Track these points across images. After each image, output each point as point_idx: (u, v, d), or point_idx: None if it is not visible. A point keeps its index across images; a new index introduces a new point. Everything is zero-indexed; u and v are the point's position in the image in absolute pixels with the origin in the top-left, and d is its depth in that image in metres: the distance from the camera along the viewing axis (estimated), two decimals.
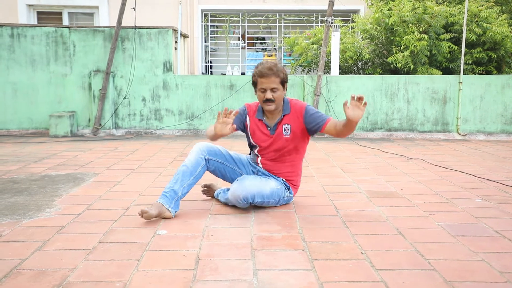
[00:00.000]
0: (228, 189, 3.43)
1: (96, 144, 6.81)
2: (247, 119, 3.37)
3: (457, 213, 3.35)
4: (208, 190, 3.65)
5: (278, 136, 3.29)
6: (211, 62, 11.97)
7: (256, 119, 3.35)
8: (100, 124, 7.77)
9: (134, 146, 6.57)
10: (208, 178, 3.83)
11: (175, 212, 3.13)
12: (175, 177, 3.16)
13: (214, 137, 3.18)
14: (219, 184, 3.76)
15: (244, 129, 3.40)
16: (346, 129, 3.03)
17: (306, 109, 3.25)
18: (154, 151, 6.13)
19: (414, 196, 3.84)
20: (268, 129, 3.32)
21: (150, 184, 4.23)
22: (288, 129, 3.28)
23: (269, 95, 3.15)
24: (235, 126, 3.03)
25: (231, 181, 3.44)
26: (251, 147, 3.48)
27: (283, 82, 3.19)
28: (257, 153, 3.42)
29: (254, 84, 3.23)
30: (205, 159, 3.27)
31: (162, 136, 7.76)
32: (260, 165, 3.42)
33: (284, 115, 3.28)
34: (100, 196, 3.77)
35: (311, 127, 3.23)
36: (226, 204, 3.45)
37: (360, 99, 2.88)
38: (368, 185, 4.22)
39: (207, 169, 3.32)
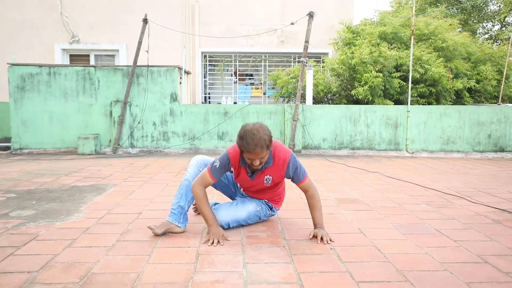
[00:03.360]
0: (215, 204, 3.06)
1: (115, 160, 6.78)
2: (231, 169, 2.84)
3: (407, 216, 3.38)
4: (197, 208, 3.33)
5: (258, 182, 2.85)
6: (209, 94, 12.00)
7: (240, 166, 2.81)
8: (119, 144, 7.73)
9: (146, 162, 6.55)
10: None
11: (185, 225, 2.83)
12: (179, 191, 2.82)
13: (202, 213, 2.76)
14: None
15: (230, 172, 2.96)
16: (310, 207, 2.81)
17: (288, 165, 2.74)
18: (162, 166, 6.11)
19: (373, 202, 3.87)
20: (249, 175, 2.81)
21: (159, 193, 4.21)
22: (270, 180, 2.82)
23: (257, 163, 2.61)
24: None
25: (223, 193, 3.16)
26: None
27: (268, 147, 2.57)
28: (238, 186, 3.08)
29: (241, 153, 2.66)
30: None
31: (169, 154, 7.74)
32: (241, 190, 3.09)
33: (265, 168, 2.75)
34: (119, 203, 3.75)
35: (290, 178, 2.82)
36: None
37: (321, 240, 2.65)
38: (336, 194, 4.24)
39: None
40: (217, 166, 2.75)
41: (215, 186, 3.10)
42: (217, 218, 2.82)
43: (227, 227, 2.90)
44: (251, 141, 2.49)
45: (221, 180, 3.07)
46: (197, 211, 3.34)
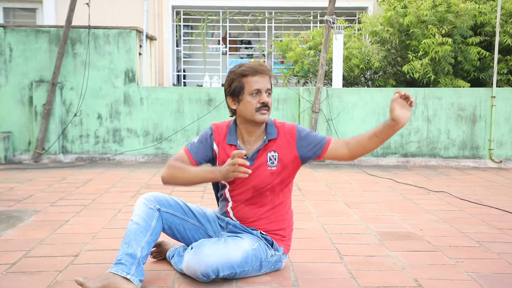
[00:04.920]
0: (185, 249, 3.07)
1: (38, 173, 6.74)
2: (214, 145, 3.01)
3: (492, 261, 3.35)
4: (159, 252, 3.29)
5: (260, 167, 2.96)
6: (184, 71, 12.01)
7: (227, 145, 3.00)
8: (43, 148, 7.71)
9: (86, 176, 6.52)
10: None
11: (140, 281, 2.73)
12: (124, 240, 2.80)
13: (191, 179, 2.93)
14: (172, 242, 3.37)
15: (211, 161, 3.06)
16: (378, 139, 2.86)
17: (297, 129, 3.02)
18: (112, 182, 6.08)
19: (437, 238, 3.83)
20: (245, 157, 2.86)
21: (107, 224, 4.17)
22: (275, 158, 2.97)
23: (266, 98, 2.90)
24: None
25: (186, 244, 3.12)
26: (218, 188, 3.15)
27: (272, 79, 3.00)
28: (227, 197, 3.07)
29: (239, 89, 2.92)
30: (158, 209, 2.93)
31: (122, 163, 7.71)
32: (231, 213, 3.06)
33: (269, 140, 2.98)
34: (42, 240, 3.71)
35: (308, 152, 2.97)
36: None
37: (406, 97, 2.72)
38: (379, 225, 4.21)
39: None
40: (195, 141, 3.04)
41: (176, 229, 3.04)
42: (199, 261, 2.75)
43: (215, 276, 2.79)
44: (252, 64, 2.91)
45: (187, 221, 3.05)
46: (158, 257, 3.29)
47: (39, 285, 2.85)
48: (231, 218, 3.07)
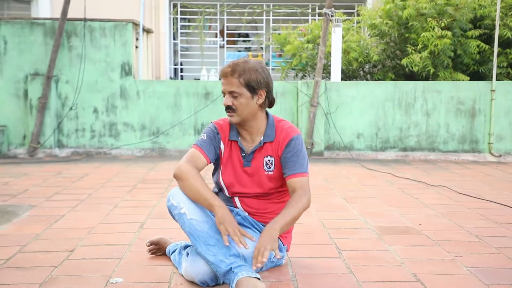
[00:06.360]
0: (185, 247, 3.01)
1: (33, 167, 6.74)
2: (221, 145, 3.00)
3: (491, 255, 3.35)
4: (158, 248, 3.25)
5: (258, 171, 2.95)
6: (181, 64, 11.99)
7: (230, 141, 3.00)
8: (38, 142, 7.70)
9: (82, 170, 6.52)
10: (156, 229, 3.56)
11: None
12: (208, 242, 2.69)
13: (196, 195, 2.78)
14: (171, 239, 3.36)
15: (216, 158, 3.02)
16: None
17: (289, 143, 2.90)
18: (108, 177, 6.08)
19: (436, 233, 3.84)
20: (243, 155, 2.96)
21: (103, 218, 4.17)
22: (272, 163, 2.94)
23: (227, 100, 2.86)
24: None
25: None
26: (219, 186, 3.07)
27: (251, 87, 2.83)
28: (230, 195, 3.03)
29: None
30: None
31: (118, 157, 7.70)
32: (238, 204, 3.02)
33: (264, 143, 2.94)
34: (38, 235, 3.70)
35: (282, 168, 2.92)
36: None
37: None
38: (378, 219, 4.22)
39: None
40: (204, 138, 2.99)
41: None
42: (197, 270, 2.72)
43: (214, 284, 2.75)
44: (227, 65, 2.92)
45: (210, 217, 2.84)
46: (157, 253, 3.27)
47: (35, 280, 2.85)
48: (241, 210, 3.02)
